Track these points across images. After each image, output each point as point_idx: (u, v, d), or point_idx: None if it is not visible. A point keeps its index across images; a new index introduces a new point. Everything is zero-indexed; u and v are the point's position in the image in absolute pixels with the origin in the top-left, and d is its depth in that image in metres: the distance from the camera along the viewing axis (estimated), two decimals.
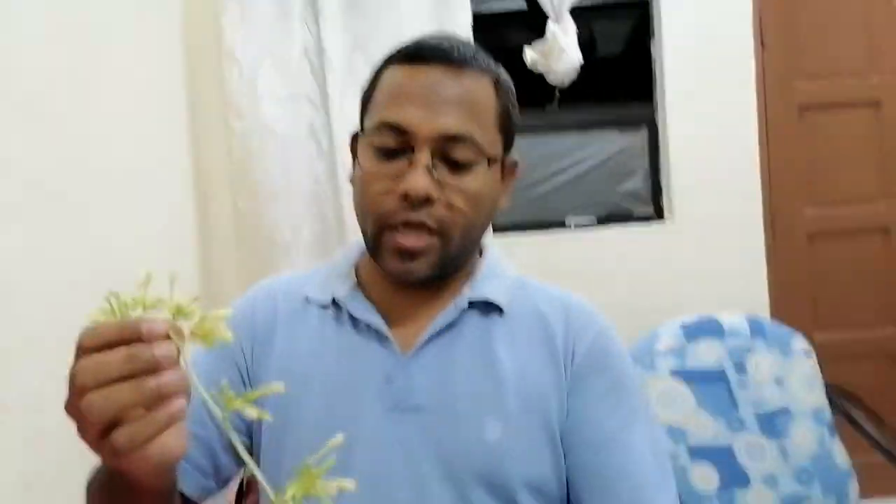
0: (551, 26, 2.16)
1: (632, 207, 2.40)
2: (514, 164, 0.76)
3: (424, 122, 0.66)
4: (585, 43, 2.24)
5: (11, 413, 1.16)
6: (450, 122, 0.66)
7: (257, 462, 0.73)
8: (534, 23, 2.25)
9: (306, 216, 2.15)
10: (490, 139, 0.70)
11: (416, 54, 0.69)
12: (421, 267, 0.68)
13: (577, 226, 2.33)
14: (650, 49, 2.33)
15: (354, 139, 0.75)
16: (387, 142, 0.67)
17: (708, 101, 2.21)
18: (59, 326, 1.44)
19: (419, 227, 0.67)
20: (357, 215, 0.71)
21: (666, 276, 2.18)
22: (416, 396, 0.68)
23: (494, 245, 0.82)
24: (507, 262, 0.79)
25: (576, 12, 2.19)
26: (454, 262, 0.71)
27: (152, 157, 1.82)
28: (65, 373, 0.44)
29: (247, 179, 2.11)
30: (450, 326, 0.71)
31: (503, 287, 0.74)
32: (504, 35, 2.47)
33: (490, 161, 0.69)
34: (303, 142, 2.14)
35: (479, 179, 0.69)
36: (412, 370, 0.69)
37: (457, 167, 0.68)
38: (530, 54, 2.19)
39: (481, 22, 2.21)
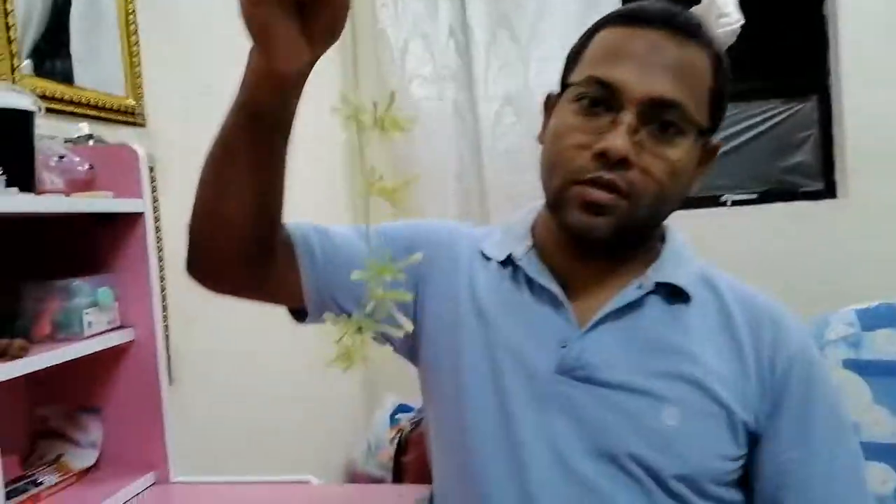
0: None
1: (798, 183, 2.21)
2: (715, 150, 0.71)
3: (637, 82, 0.64)
4: (747, 4, 2.08)
5: None
6: (664, 87, 0.64)
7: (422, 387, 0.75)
8: None
9: (452, 194, 2.19)
10: (700, 113, 0.66)
11: (638, 16, 0.67)
12: (604, 224, 0.64)
13: (734, 203, 2.18)
14: (823, 8, 2.11)
15: (549, 98, 0.73)
16: (593, 97, 0.65)
17: (891, 64, 1.97)
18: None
19: (610, 186, 0.64)
20: (542, 170, 0.69)
21: (837, 259, 1.99)
22: (589, 368, 0.65)
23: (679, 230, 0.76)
24: (693, 249, 0.74)
25: None
26: (637, 233, 0.68)
27: (310, 136, 1.92)
28: None
29: (397, 159, 2.17)
30: (631, 306, 0.68)
31: (690, 273, 0.70)
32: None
33: (698, 134, 0.66)
34: (447, 120, 2.18)
35: (680, 151, 0.65)
36: (588, 343, 0.66)
37: (661, 135, 0.65)
38: None
39: None
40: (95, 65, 1.30)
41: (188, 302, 1.31)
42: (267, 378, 1.67)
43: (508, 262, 0.72)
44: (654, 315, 0.68)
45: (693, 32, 0.66)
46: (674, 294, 0.69)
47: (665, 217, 0.71)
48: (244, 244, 0.62)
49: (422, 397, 0.77)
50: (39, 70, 1.17)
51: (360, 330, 0.43)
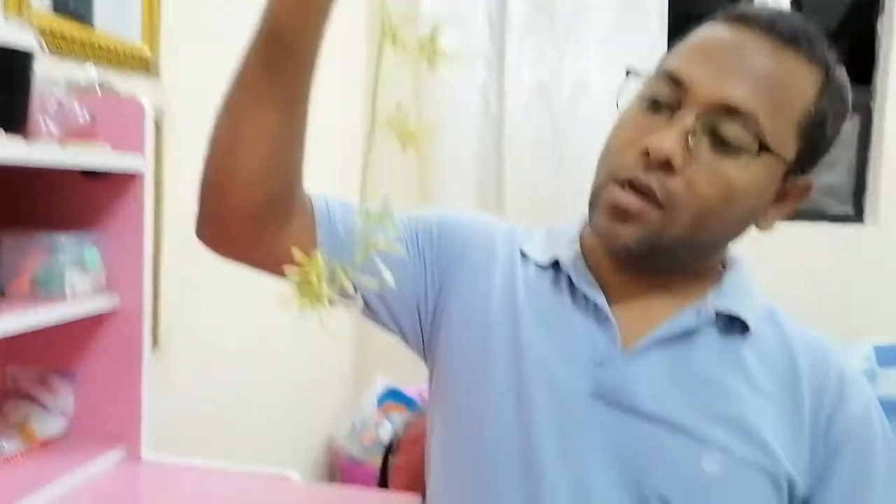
0: None
1: (826, 204, 2.13)
2: (806, 189, 0.62)
3: (707, 81, 0.56)
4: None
5: None
6: (738, 93, 0.56)
7: (431, 377, 0.69)
8: None
9: (470, 177, 2.13)
10: (780, 134, 0.57)
11: (745, 15, 0.59)
12: (628, 233, 0.58)
13: None
14: (874, 23, 2.01)
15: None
16: (657, 92, 0.59)
17: None
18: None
19: (644, 192, 0.57)
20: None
21: (861, 288, 1.92)
22: (630, 397, 0.59)
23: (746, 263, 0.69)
24: (758, 286, 0.67)
25: None
26: (670, 252, 0.60)
27: (334, 113, 1.85)
28: None
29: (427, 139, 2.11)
30: (687, 333, 0.61)
31: (754, 307, 0.63)
32: (697, 3, 2.25)
33: (762, 148, 0.57)
34: (473, 103, 2.12)
35: (740, 169, 0.57)
36: (633, 369, 0.60)
37: (721, 146, 0.57)
38: None
39: None
40: (116, 8, 1.24)
41: (187, 268, 1.26)
42: (258, 352, 1.63)
43: (551, 266, 0.66)
44: (708, 347, 0.61)
45: (799, 42, 0.57)
46: (732, 326, 0.62)
47: (714, 245, 0.64)
48: (258, 195, 0.56)
49: (430, 399, 0.70)
50: (58, 7, 1.11)
51: (332, 276, 0.39)
